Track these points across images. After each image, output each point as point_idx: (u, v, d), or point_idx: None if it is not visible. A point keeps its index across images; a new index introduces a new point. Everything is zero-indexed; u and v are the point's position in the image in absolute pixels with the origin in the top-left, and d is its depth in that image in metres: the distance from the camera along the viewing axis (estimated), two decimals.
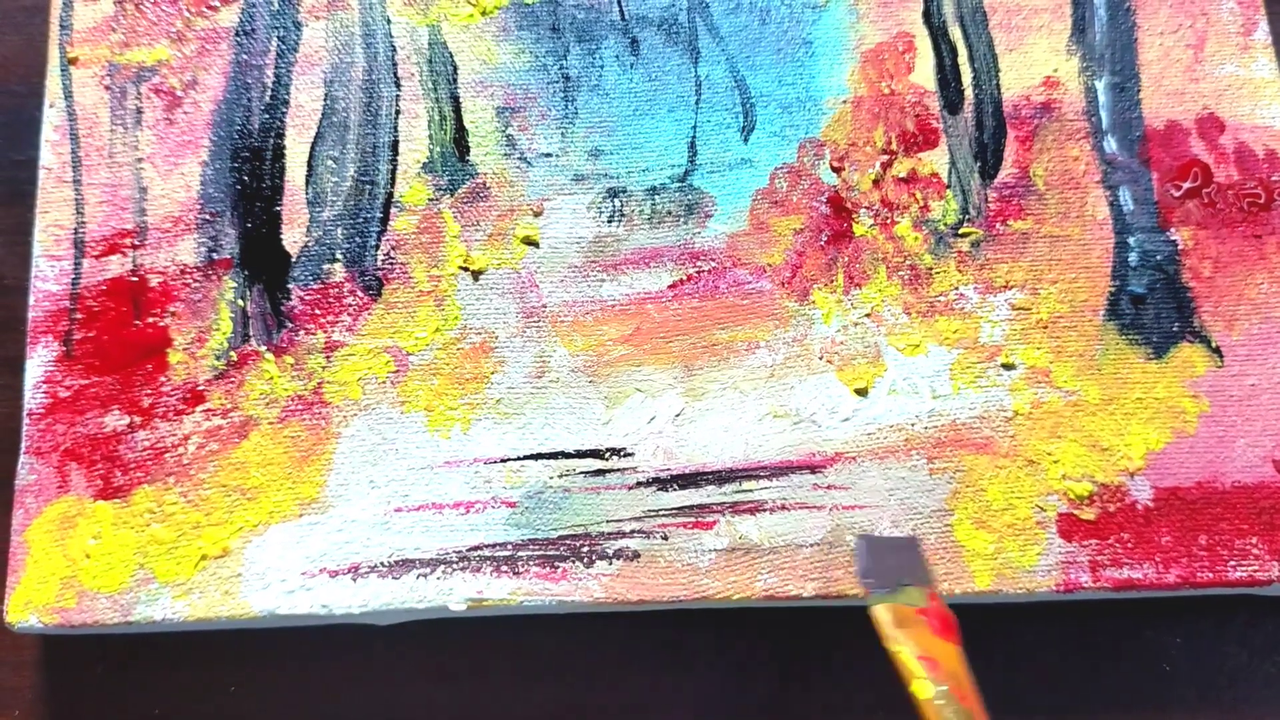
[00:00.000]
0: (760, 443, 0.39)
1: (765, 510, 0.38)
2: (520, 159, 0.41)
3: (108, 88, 0.41)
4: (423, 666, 0.40)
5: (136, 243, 0.40)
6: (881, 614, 0.33)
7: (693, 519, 0.38)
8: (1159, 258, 0.40)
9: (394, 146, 0.41)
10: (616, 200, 0.41)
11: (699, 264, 0.40)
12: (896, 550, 0.36)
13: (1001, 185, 0.41)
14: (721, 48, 0.42)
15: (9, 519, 0.38)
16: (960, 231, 0.40)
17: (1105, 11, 0.42)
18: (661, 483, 0.38)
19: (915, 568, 0.35)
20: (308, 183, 0.41)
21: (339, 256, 0.40)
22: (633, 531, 0.38)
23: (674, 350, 0.39)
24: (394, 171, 0.41)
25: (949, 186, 0.41)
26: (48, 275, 0.40)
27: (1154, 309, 0.40)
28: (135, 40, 0.42)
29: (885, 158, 0.41)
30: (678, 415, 0.39)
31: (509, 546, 0.38)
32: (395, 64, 0.41)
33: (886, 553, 0.36)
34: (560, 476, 0.38)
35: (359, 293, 0.40)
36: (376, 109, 0.41)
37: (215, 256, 0.40)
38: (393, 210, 0.40)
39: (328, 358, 0.39)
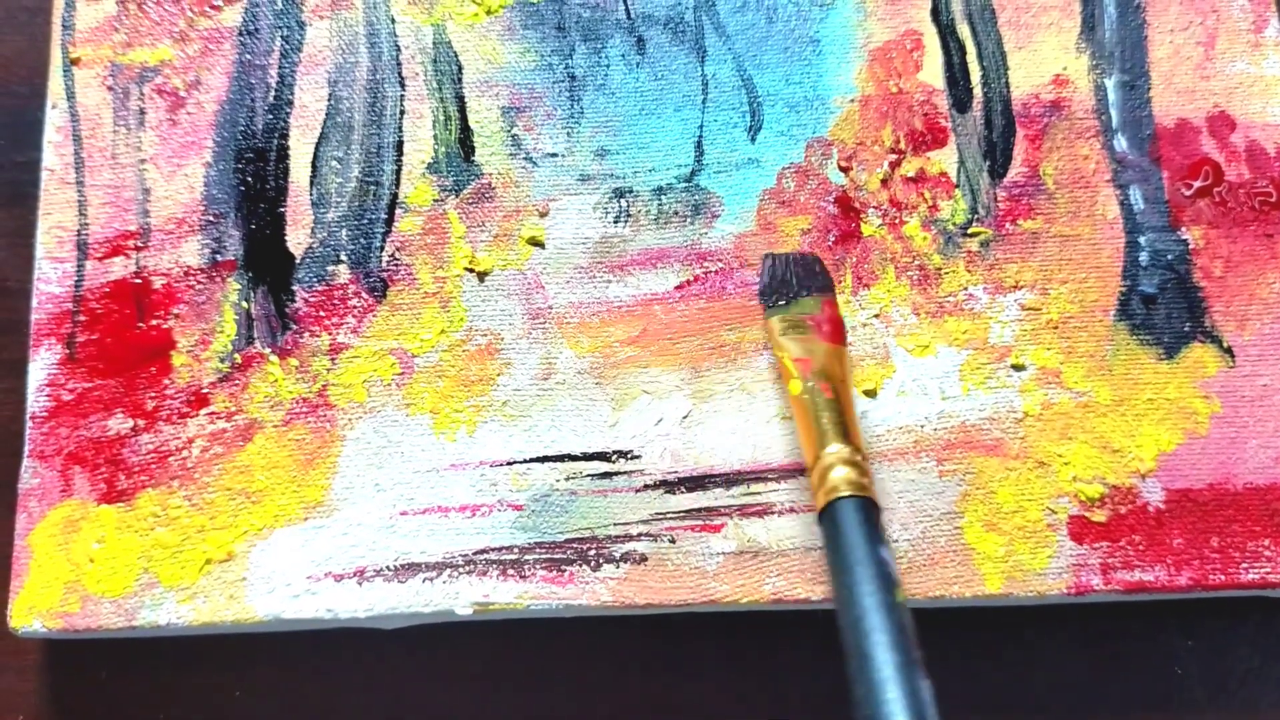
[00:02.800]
0: (768, 445, 0.38)
1: (774, 513, 0.38)
2: (526, 159, 0.41)
3: (110, 88, 0.41)
4: (429, 671, 0.40)
5: (140, 244, 0.40)
6: (773, 324, 0.38)
7: (700, 522, 0.38)
8: (1170, 257, 0.40)
9: (399, 147, 0.41)
10: (623, 201, 0.40)
11: (706, 265, 0.40)
12: (800, 265, 0.39)
13: (1011, 184, 0.40)
14: (728, 46, 0.42)
15: (12, 523, 0.38)
16: (969, 231, 0.40)
17: (1115, 9, 0.42)
18: (669, 485, 0.38)
19: (814, 278, 0.38)
20: (312, 184, 0.40)
21: (343, 258, 0.40)
22: (640, 534, 0.38)
23: (681, 352, 0.39)
24: (399, 172, 0.40)
25: (958, 186, 0.40)
26: (50, 277, 0.39)
27: (1165, 309, 0.40)
28: (138, 40, 0.41)
29: (893, 157, 0.41)
30: (685, 417, 0.39)
31: (515, 550, 0.37)
32: (400, 64, 0.41)
33: (787, 268, 0.39)
34: (567, 479, 0.38)
35: (364, 294, 0.40)
36: (381, 109, 0.41)
37: (219, 258, 0.40)
38: (397, 211, 0.40)
39: (332, 360, 0.39)
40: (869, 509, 0.33)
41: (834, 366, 0.36)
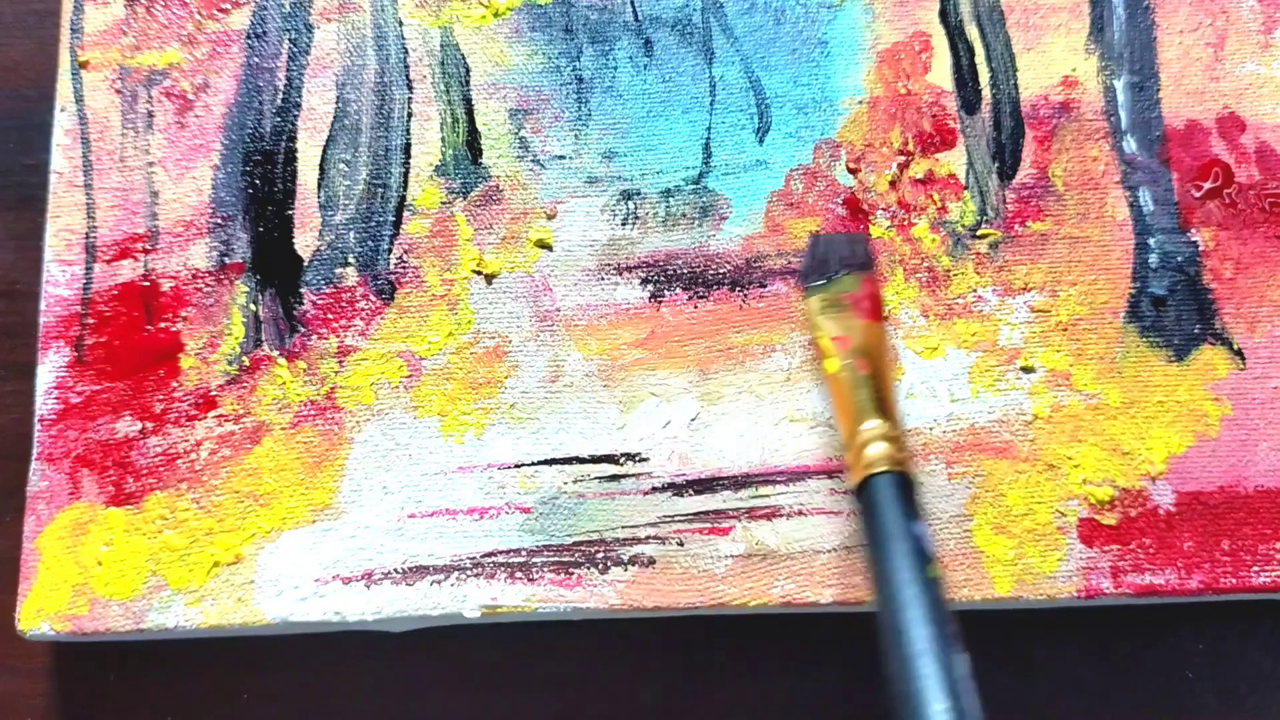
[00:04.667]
0: (776, 447, 0.38)
1: (782, 516, 0.38)
2: (533, 161, 0.41)
3: (119, 91, 0.41)
4: (437, 674, 0.40)
5: (148, 247, 0.40)
6: (811, 304, 0.37)
7: (709, 525, 0.38)
8: (1180, 259, 0.40)
9: (406, 149, 0.41)
10: (630, 203, 0.40)
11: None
12: (841, 244, 0.39)
13: (1020, 186, 0.40)
14: (736, 48, 0.41)
15: (21, 526, 0.38)
16: (978, 233, 0.40)
17: (1124, 10, 0.42)
18: (677, 488, 0.38)
19: (856, 257, 0.38)
20: (320, 186, 0.40)
21: (351, 260, 0.40)
22: (648, 537, 0.38)
23: (689, 354, 0.39)
24: (406, 175, 0.40)
25: (966, 188, 0.40)
26: (59, 280, 0.40)
27: (1175, 311, 0.39)
28: (146, 43, 0.41)
29: (902, 159, 0.41)
30: (693, 420, 0.39)
31: (523, 553, 0.37)
32: (407, 66, 0.41)
33: (830, 248, 0.38)
34: (575, 482, 0.38)
35: (371, 297, 0.40)
36: (388, 112, 0.41)
37: (227, 261, 0.40)
38: (405, 214, 0.40)
39: (340, 362, 0.39)
40: (905, 484, 0.33)
41: (872, 343, 0.36)
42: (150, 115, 0.41)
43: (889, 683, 0.29)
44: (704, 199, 0.40)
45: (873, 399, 0.35)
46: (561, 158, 0.41)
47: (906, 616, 0.30)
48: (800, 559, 0.37)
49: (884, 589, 0.31)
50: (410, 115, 0.41)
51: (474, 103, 0.41)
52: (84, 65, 0.41)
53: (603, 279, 0.40)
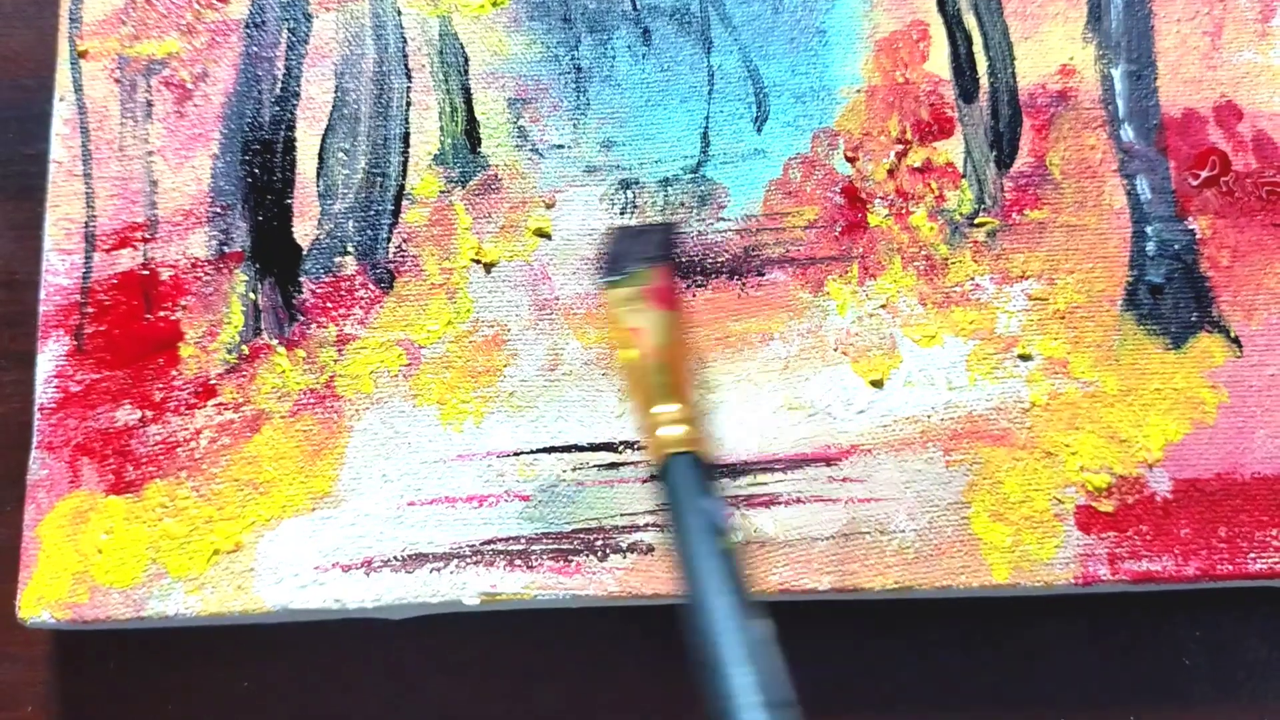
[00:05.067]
0: (774, 435, 0.38)
1: (780, 503, 0.38)
2: (532, 151, 0.41)
3: (118, 81, 0.41)
4: (436, 661, 0.40)
5: (147, 236, 0.40)
6: (611, 297, 0.37)
7: None
8: (1177, 247, 0.40)
9: (405, 139, 0.41)
10: (629, 192, 0.40)
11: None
12: (635, 239, 0.39)
13: (1017, 174, 0.40)
14: (734, 37, 0.41)
15: (21, 514, 0.38)
16: (976, 221, 0.40)
17: None
18: None
19: (650, 250, 0.38)
20: (319, 175, 0.40)
21: (350, 249, 0.40)
22: (647, 525, 0.38)
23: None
24: (405, 164, 0.40)
25: (964, 176, 0.40)
26: (58, 269, 0.40)
27: (1172, 299, 0.40)
28: (145, 33, 0.41)
29: (900, 147, 0.41)
30: None
31: (522, 540, 0.38)
32: (406, 55, 0.41)
33: (628, 242, 0.39)
34: (574, 470, 0.38)
35: (370, 286, 0.40)
36: (387, 101, 0.41)
37: (226, 250, 0.40)
38: (404, 203, 0.40)
39: (339, 351, 0.39)
40: (695, 462, 0.34)
41: (666, 332, 0.37)
42: (149, 104, 0.41)
43: (692, 651, 0.30)
44: (702, 188, 0.40)
45: (666, 384, 0.35)
46: (560, 147, 0.41)
47: (703, 587, 0.31)
48: (798, 546, 0.37)
49: (682, 563, 0.32)
50: (409, 104, 0.41)
51: (472, 92, 0.41)
52: (83, 55, 0.41)
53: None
